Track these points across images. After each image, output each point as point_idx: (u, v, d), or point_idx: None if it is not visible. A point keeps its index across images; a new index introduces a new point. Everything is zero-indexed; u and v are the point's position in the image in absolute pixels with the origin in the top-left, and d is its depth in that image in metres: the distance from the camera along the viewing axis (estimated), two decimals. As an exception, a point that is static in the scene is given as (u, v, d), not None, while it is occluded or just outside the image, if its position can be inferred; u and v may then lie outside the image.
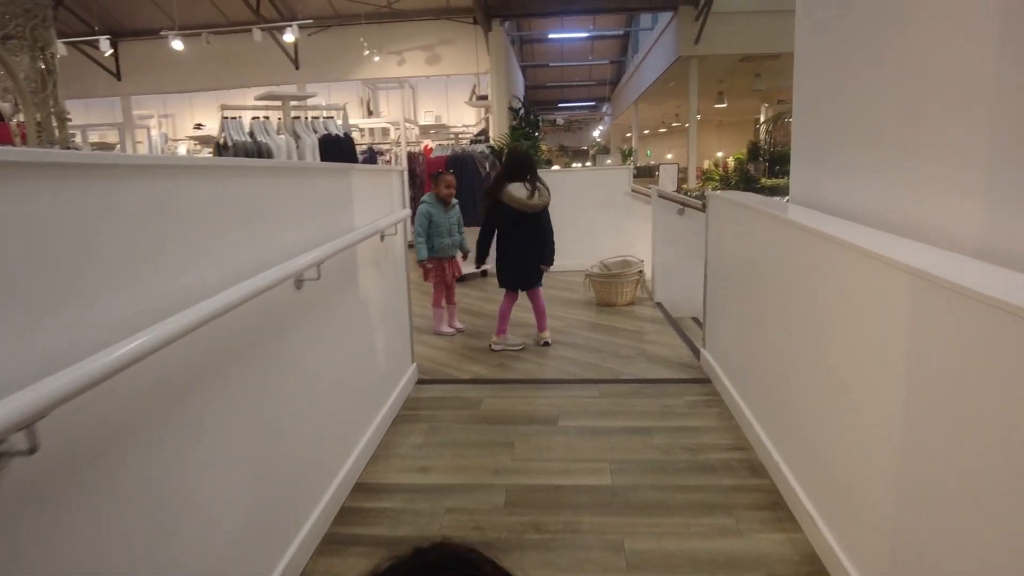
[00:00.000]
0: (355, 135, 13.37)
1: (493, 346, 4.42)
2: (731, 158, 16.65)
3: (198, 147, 15.63)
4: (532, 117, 9.96)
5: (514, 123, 10.11)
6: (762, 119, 18.94)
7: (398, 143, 10.49)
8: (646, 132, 25.12)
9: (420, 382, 3.75)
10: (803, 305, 2.34)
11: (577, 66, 21.27)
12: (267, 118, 5.83)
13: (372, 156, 10.91)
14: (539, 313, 4.53)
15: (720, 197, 3.59)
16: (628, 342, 4.47)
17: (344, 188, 2.70)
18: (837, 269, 2.00)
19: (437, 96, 15.52)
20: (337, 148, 5.96)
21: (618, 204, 7.46)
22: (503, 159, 4.70)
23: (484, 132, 11.31)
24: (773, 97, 17.96)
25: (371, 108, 12.91)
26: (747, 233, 3.09)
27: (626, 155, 7.84)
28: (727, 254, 3.47)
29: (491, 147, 7.62)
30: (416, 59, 11.84)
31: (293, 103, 5.88)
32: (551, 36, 16.88)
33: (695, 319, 5.66)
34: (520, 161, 4.38)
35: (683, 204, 5.39)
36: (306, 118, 6.12)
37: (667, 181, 7.77)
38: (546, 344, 4.45)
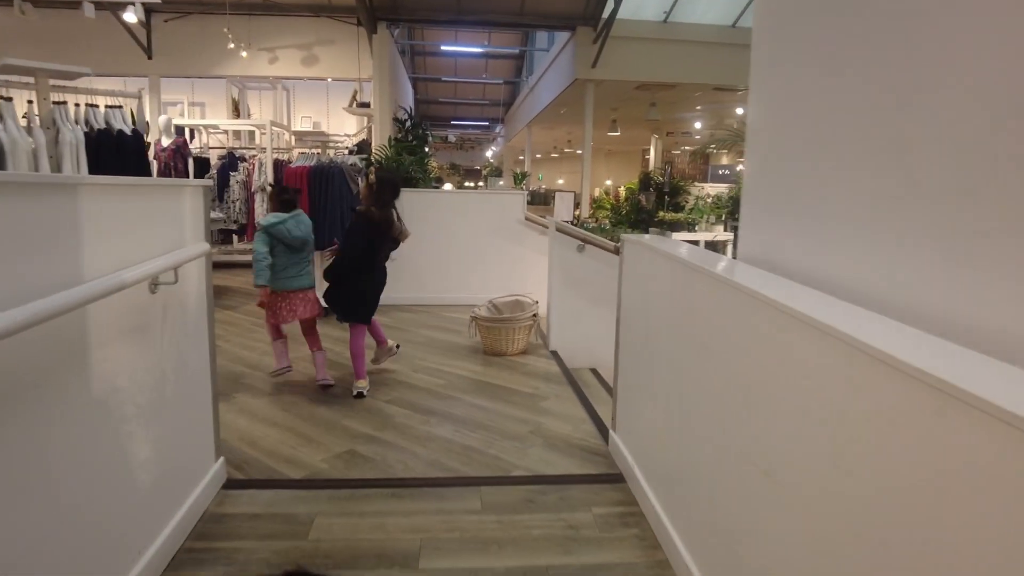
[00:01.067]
0: (218, 138, 11.86)
1: (363, 392, 3.80)
2: (622, 187, 16.47)
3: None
4: (421, 131, 9.00)
5: (399, 135, 9.11)
6: (652, 150, 19.06)
7: (263, 149, 9.18)
8: (538, 156, 24.83)
9: (229, 485, 2.66)
10: (753, 389, 1.56)
11: (471, 83, 20.58)
12: (63, 103, 4.51)
13: (232, 162, 9.54)
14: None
15: (640, 243, 2.80)
16: (520, 412, 3.58)
17: (64, 215, 1.63)
18: (805, 352, 1.21)
19: (316, 101, 14.20)
20: (116, 149, 4.71)
21: (511, 232, 6.64)
22: (376, 177, 3.93)
23: (365, 143, 10.22)
24: (663, 129, 18.11)
25: (239, 109, 11.45)
26: (678, 293, 2.29)
27: (519, 178, 7.11)
28: (647, 314, 2.67)
29: (366, 159, 6.58)
30: (290, 58, 10.58)
31: (56, 83, 4.54)
32: (444, 49, 16.04)
33: (594, 371, 4.89)
34: (395, 185, 3.97)
35: (584, 240, 4.63)
36: (81, 105, 4.83)
37: (563, 210, 7.07)
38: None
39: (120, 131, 4.79)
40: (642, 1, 10.31)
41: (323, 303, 4.05)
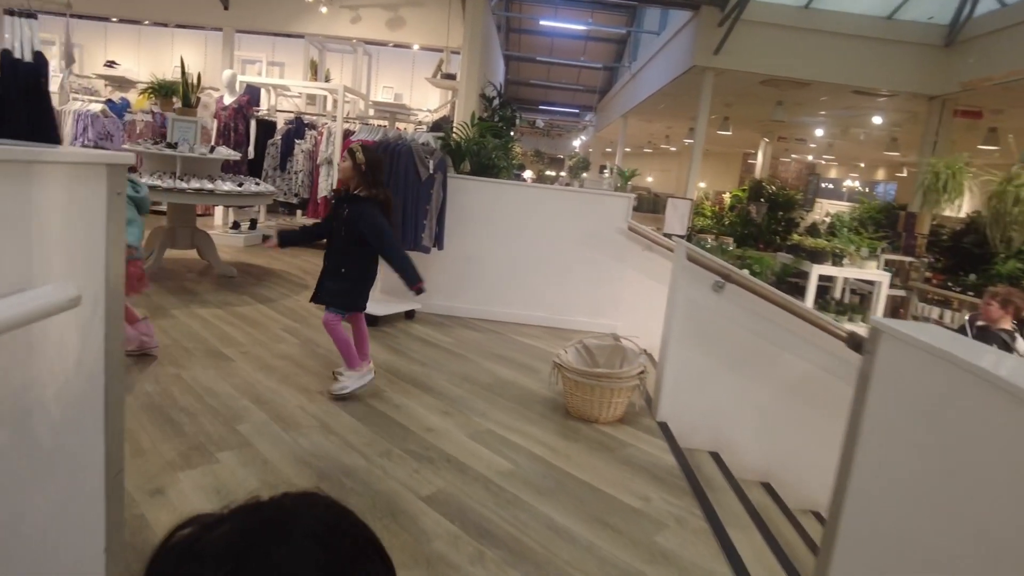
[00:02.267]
0: (290, 102, 11.01)
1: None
2: (727, 194, 14.81)
3: (109, 88, 12.99)
4: (510, 111, 7.80)
5: (485, 114, 7.93)
6: (759, 155, 17.22)
7: (335, 118, 8.19)
8: (627, 150, 23.24)
9: None
10: None
11: (566, 66, 19.21)
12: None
13: (300, 129, 8.60)
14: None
15: (931, 350, 1.49)
16: (624, 554, 2.32)
17: None
18: None
19: (400, 71, 13.21)
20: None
21: (609, 244, 5.35)
22: (365, 156, 3.42)
23: (445, 120, 9.10)
24: (775, 132, 16.29)
25: (317, 74, 10.53)
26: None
27: (624, 177, 5.75)
28: (935, 457, 1.37)
29: (442, 139, 5.42)
30: (374, 19, 9.54)
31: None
32: (542, 24, 14.73)
33: (716, 457, 3.57)
34: (382, 165, 3.59)
35: (726, 278, 3.30)
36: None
37: (675, 221, 5.73)
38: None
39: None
40: (785, -20, 8.72)
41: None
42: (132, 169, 5.46)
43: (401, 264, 3.35)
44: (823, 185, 22.23)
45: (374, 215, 3.33)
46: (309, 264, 7.08)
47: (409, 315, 5.18)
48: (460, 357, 4.38)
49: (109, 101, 11.20)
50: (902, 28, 8.99)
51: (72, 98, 8.37)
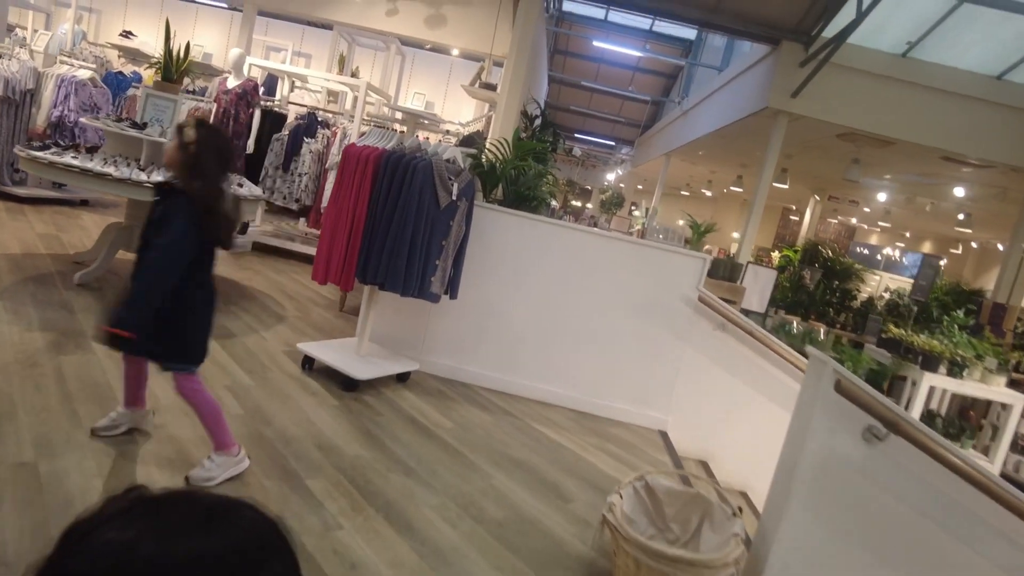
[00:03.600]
0: (312, 98, 9.96)
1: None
2: (776, 252, 13.59)
3: (122, 60, 12.04)
4: (553, 133, 6.67)
5: (525, 134, 6.80)
6: (808, 213, 16.00)
7: (353, 117, 7.11)
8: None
9: None
10: None
11: (611, 95, 18.18)
12: None
13: (311, 125, 7.51)
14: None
15: None
16: None
17: None
18: None
19: (435, 78, 12.18)
20: None
21: (671, 316, 4.15)
22: (196, 134, 2.29)
23: (477, 136, 7.99)
24: (827, 189, 15.08)
25: (343, 68, 9.48)
26: None
27: (698, 232, 4.52)
28: None
29: (473, 157, 4.27)
30: (413, 14, 8.50)
31: None
32: (595, 44, 13.69)
33: None
34: (224, 150, 2.43)
35: (890, 425, 2.08)
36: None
37: (754, 295, 4.52)
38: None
39: None
40: (883, 22, 7.57)
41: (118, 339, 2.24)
42: (79, 148, 4.21)
43: (136, 290, 2.28)
44: (858, 249, 20.85)
45: (170, 215, 2.28)
46: (296, 285, 5.92)
47: (402, 378, 3.98)
48: (460, 459, 3.17)
49: (119, 73, 10.22)
50: (1013, 91, 7.80)
51: (60, 61, 7.34)
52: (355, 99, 7.53)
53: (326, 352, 3.83)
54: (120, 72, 10.18)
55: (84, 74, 7.06)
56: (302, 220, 7.92)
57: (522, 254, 4.18)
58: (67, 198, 7.23)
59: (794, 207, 20.55)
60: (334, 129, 7.42)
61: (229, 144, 2.56)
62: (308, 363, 3.86)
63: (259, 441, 2.90)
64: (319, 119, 7.60)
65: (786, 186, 11.51)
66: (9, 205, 6.57)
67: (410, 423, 3.44)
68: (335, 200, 3.69)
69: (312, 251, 7.02)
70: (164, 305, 2.29)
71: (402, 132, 5.45)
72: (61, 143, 4.71)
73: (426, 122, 8.58)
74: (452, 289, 3.84)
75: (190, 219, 2.25)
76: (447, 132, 9.02)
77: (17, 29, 10.13)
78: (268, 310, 4.94)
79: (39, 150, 4.26)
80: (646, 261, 4.18)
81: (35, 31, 9.68)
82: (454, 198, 3.65)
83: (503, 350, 4.21)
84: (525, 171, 4.54)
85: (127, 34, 11.72)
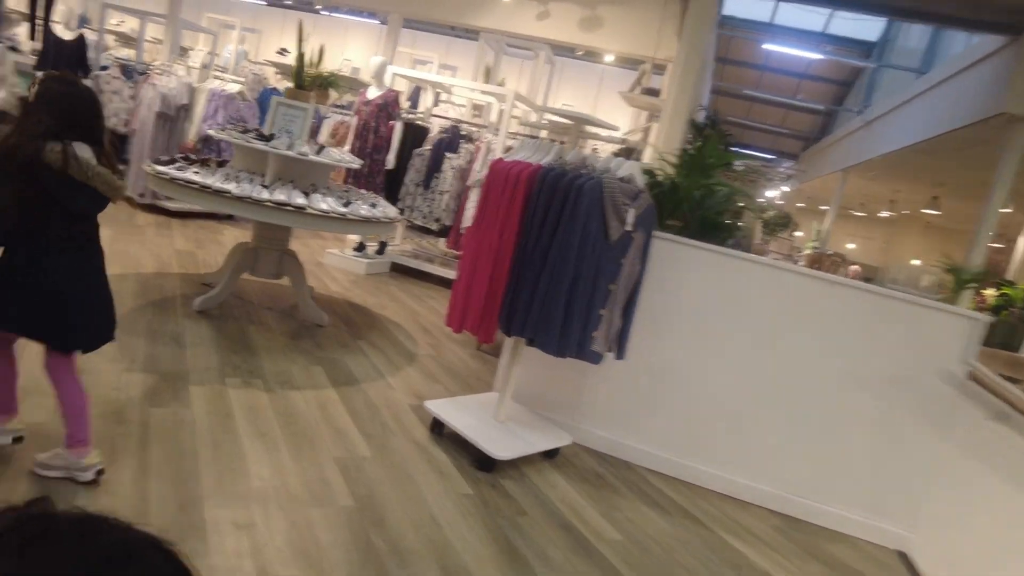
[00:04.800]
0: (456, 111, 9.50)
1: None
2: (993, 291, 11.37)
3: (278, 76, 12.38)
4: (725, 146, 5.61)
5: (694, 144, 5.79)
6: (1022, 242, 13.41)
7: (497, 130, 6.46)
8: (822, 208, 19.89)
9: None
10: None
11: (774, 105, 16.53)
12: None
13: (454, 140, 6.95)
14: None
15: None
16: None
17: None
18: None
19: (584, 88, 11.40)
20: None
21: (922, 396, 2.99)
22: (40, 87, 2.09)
23: (632, 150, 7.07)
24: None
25: (489, 78, 8.94)
26: None
27: (961, 279, 3.33)
28: None
29: (651, 172, 3.36)
30: (565, 18, 7.75)
31: None
32: (764, 48, 12.30)
33: None
34: (85, 104, 2.19)
35: None
36: None
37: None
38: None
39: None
40: None
41: None
42: (207, 162, 3.79)
43: None
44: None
45: None
46: (432, 314, 5.29)
47: (550, 454, 3.13)
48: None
49: (273, 89, 10.38)
50: None
51: (212, 76, 7.33)
52: (501, 111, 6.88)
53: (460, 415, 3.07)
54: (275, 88, 10.35)
55: (233, 88, 6.96)
56: (442, 240, 7.38)
57: (710, 300, 3.21)
58: (212, 212, 7.16)
59: (992, 232, 17.61)
60: (477, 143, 6.81)
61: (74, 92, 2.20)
62: (438, 427, 3.12)
63: (366, 553, 2.16)
64: (462, 133, 7.03)
65: (1010, 210, 9.50)
66: (160, 219, 6.54)
67: (563, 531, 2.57)
68: (477, 229, 2.93)
69: (452, 274, 6.43)
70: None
71: (561, 143, 4.65)
72: (192, 157, 4.37)
73: (586, 128, 7.76)
74: (619, 347, 2.95)
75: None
76: (610, 140, 8.12)
77: (190, 52, 10.61)
78: (398, 346, 4.31)
79: (165, 164, 3.90)
80: (887, 317, 3.05)
81: (200, 51, 10.01)
82: (630, 228, 2.77)
83: (681, 425, 3.24)
84: (713, 192, 3.57)
85: (283, 51, 12.01)
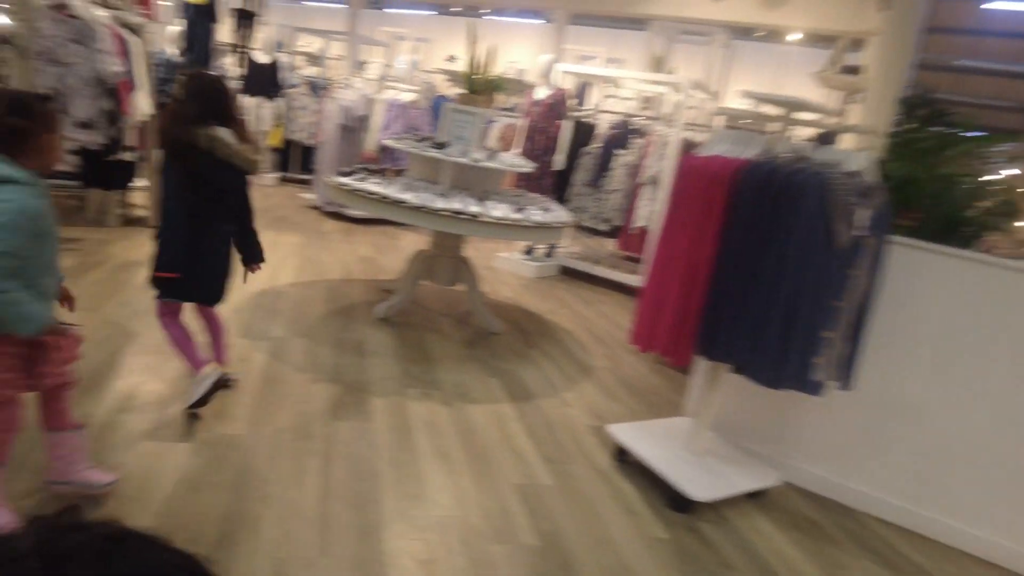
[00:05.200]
0: (622, 106, 9.11)
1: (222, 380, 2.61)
2: None
3: (449, 83, 12.77)
4: (962, 127, 4.73)
5: (907, 126, 4.98)
6: None
7: (671, 122, 6.03)
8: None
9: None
10: None
11: (994, 74, 14.25)
12: None
13: (624, 136, 6.61)
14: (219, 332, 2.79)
15: None
16: None
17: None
18: None
19: (761, 75, 10.51)
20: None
21: None
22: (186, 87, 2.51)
23: (832, 135, 6.28)
24: None
25: (658, 68, 8.47)
26: None
27: None
28: None
29: (880, 163, 2.83)
30: (746, -4, 7.09)
31: None
32: (984, 6, 10.59)
33: None
34: (207, 93, 2.52)
35: None
36: None
37: None
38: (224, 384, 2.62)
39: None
40: None
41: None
42: (386, 172, 3.88)
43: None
44: None
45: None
46: (604, 321, 5.02)
47: (756, 496, 2.72)
48: None
49: (442, 96, 10.67)
50: None
51: (387, 87, 7.59)
52: (675, 102, 6.41)
53: (648, 444, 2.77)
54: (443, 95, 10.63)
55: (407, 97, 7.14)
56: (612, 241, 7.08)
57: (960, 318, 2.62)
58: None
59: None
60: (649, 138, 6.41)
61: (212, 87, 2.57)
62: (622, 453, 2.84)
63: (554, 605, 1.93)
64: (632, 127, 6.67)
65: None
66: (344, 226, 6.87)
67: (775, 591, 2.18)
68: (667, 237, 2.60)
69: (622, 278, 6.11)
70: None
71: (772, 133, 4.16)
72: (371, 167, 4.46)
73: (792, 112, 7.11)
74: (846, 375, 2.47)
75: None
76: (812, 124, 7.33)
77: (367, 65, 11.23)
78: (572, 357, 4.08)
79: (347, 176, 3.98)
80: None
81: (376, 63, 10.51)
82: (863, 232, 2.30)
83: (918, 468, 2.69)
84: (955, 184, 2.95)
85: (451, 58, 12.33)
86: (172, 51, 7.54)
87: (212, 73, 2.99)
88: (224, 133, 2.45)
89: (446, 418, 2.95)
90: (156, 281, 2.51)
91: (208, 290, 2.60)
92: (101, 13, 4.53)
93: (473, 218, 3.59)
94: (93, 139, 4.52)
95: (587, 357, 4.14)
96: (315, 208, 7.40)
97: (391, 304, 4.20)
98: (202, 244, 2.50)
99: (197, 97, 2.46)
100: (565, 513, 2.42)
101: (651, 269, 2.65)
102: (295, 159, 9.08)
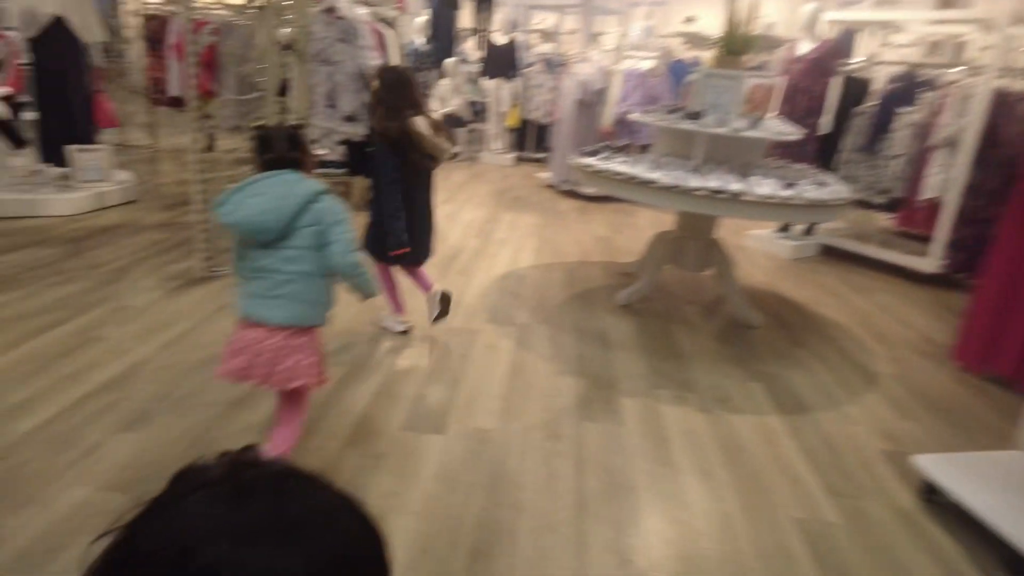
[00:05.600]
0: (898, 54, 7.63)
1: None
2: None
3: (687, 46, 12.05)
4: None
5: None
6: None
7: (976, 71, 4.88)
8: None
9: None
10: None
11: None
12: None
13: (908, 90, 5.51)
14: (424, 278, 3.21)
15: None
16: None
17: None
18: None
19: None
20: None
21: None
22: (380, 81, 2.89)
23: None
24: None
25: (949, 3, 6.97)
26: None
27: None
28: None
29: None
30: None
31: None
32: None
33: None
34: (403, 83, 2.85)
35: None
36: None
37: None
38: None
39: None
40: None
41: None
42: (629, 149, 3.68)
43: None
44: None
45: (376, 158, 2.90)
46: (883, 313, 4.25)
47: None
48: None
49: (679, 61, 10.03)
50: None
51: (624, 56, 7.24)
52: (976, 40, 5.17)
53: (970, 484, 2.18)
54: (680, 60, 9.96)
55: (645, 65, 6.74)
56: (886, 216, 6.04)
57: None
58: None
59: None
60: (945, 90, 5.28)
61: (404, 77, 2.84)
62: (930, 490, 2.28)
63: None
64: (918, 80, 5.55)
65: None
66: (579, 204, 6.75)
67: None
68: (1012, 233, 1.97)
69: (905, 261, 5.15)
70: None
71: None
72: (614, 145, 4.19)
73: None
74: None
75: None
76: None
77: (602, 36, 10.96)
78: (849, 359, 3.47)
79: (590, 155, 3.76)
80: None
81: (612, 33, 10.18)
82: None
83: None
84: None
85: (689, 19, 11.53)
86: (420, 40, 7.96)
87: (400, 65, 3.34)
88: (422, 124, 2.78)
89: (705, 428, 2.63)
90: (393, 258, 3.00)
91: (426, 253, 3.15)
92: (362, 11, 4.82)
93: (734, 197, 3.16)
94: (356, 131, 4.85)
95: (868, 360, 3.49)
96: (550, 187, 7.37)
97: (633, 290, 3.94)
98: (416, 219, 2.98)
99: (395, 88, 2.79)
100: (860, 562, 1.98)
101: (993, 266, 2.04)
102: (530, 138, 9.17)
